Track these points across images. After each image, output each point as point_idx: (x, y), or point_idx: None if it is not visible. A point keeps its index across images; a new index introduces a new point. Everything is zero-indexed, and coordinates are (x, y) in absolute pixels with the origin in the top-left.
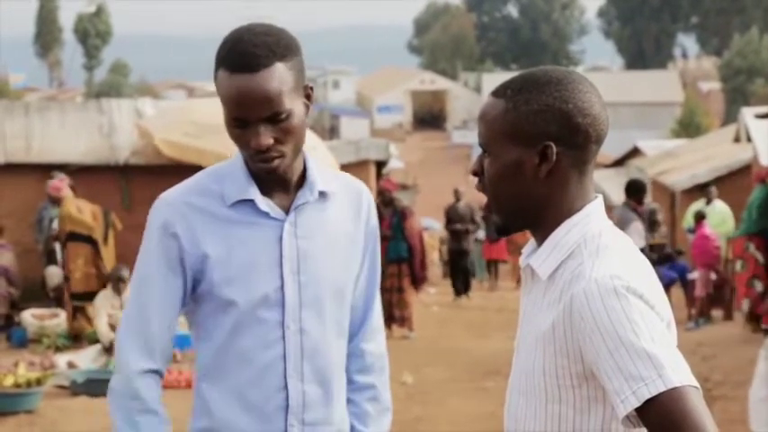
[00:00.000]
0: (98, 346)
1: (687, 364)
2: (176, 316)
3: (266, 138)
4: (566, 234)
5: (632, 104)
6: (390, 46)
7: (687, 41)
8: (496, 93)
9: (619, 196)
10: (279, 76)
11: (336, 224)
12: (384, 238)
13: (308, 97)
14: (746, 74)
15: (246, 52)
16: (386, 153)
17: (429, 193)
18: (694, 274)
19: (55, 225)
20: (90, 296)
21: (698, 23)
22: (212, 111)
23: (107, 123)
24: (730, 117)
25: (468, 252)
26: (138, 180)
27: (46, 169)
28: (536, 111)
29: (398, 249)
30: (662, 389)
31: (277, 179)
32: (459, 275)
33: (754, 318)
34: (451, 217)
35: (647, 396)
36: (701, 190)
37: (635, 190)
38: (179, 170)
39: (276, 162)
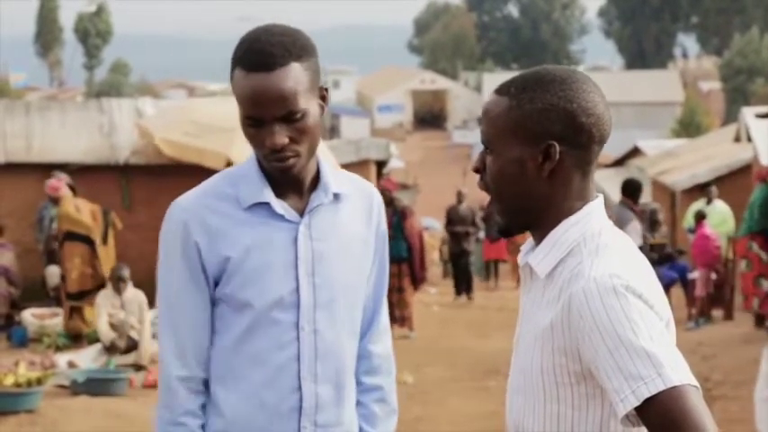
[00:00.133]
0: (98, 346)
1: (687, 363)
2: (209, 327)
3: (281, 137)
4: (565, 232)
5: (632, 104)
6: (390, 46)
7: (687, 41)
8: (500, 90)
9: (618, 196)
10: (294, 76)
11: (349, 226)
12: None
13: (323, 98)
14: (747, 73)
15: (263, 51)
16: (386, 153)
17: (429, 192)
18: (694, 274)
19: (55, 225)
20: (85, 296)
21: (698, 23)
22: (212, 110)
23: (107, 123)
24: (731, 117)
25: (468, 253)
26: (139, 180)
27: (46, 169)
28: (540, 109)
29: (398, 249)
30: (661, 388)
31: (291, 181)
32: (462, 277)
33: (761, 316)
34: (452, 218)
35: (647, 395)
36: (701, 190)
37: (631, 189)
38: (179, 170)
39: (291, 161)
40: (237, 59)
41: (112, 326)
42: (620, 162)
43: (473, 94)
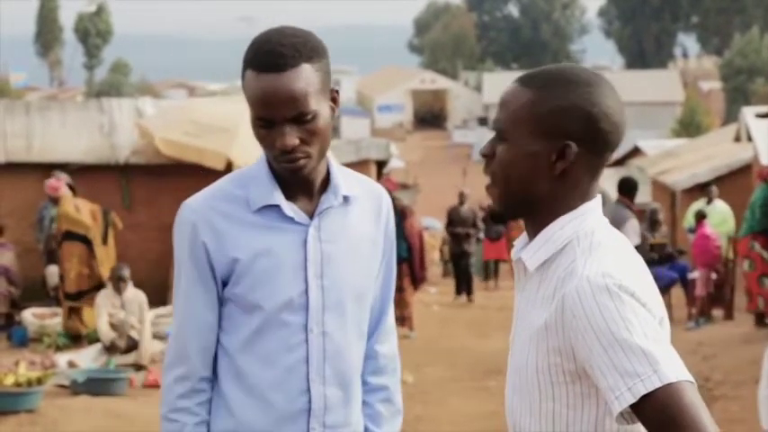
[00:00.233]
0: (98, 346)
1: (687, 363)
2: (215, 327)
3: (292, 138)
4: (560, 229)
5: (633, 104)
6: (390, 46)
7: (688, 41)
8: (524, 82)
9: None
10: (305, 77)
11: (358, 228)
12: None
13: (334, 100)
14: (747, 73)
15: (273, 52)
16: (386, 152)
17: (429, 192)
18: (695, 274)
19: (55, 224)
20: (82, 296)
21: (698, 23)
22: (212, 110)
23: (107, 123)
24: (731, 116)
25: (469, 255)
26: (139, 179)
27: (47, 168)
28: (564, 108)
29: (398, 249)
30: (658, 384)
31: (301, 182)
32: (462, 278)
33: (762, 316)
34: (453, 219)
35: (643, 392)
36: (701, 189)
37: (628, 188)
38: (179, 169)
39: (302, 162)
40: (248, 60)
41: (113, 326)
42: (620, 162)
43: (473, 94)
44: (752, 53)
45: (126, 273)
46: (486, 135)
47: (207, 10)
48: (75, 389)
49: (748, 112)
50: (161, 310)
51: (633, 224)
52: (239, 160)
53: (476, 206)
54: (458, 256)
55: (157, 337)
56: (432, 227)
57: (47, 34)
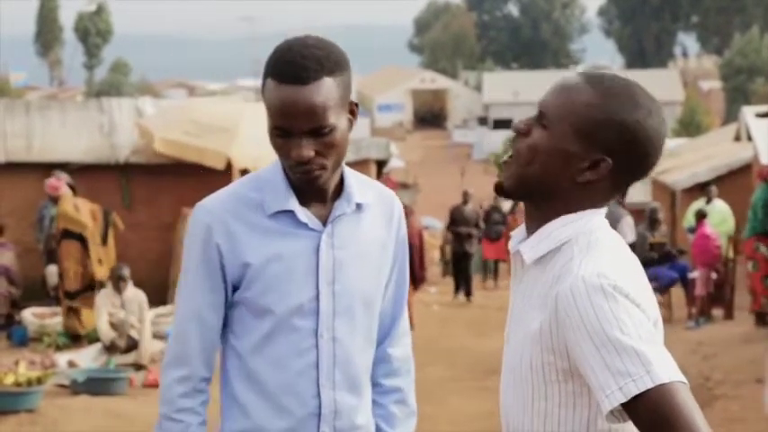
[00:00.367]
0: (98, 345)
1: (687, 362)
2: (218, 329)
3: (308, 150)
4: (562, 227)
5: None
6: (390, 45)
7: (688, 40)
8: (590, 81)
9: None
10: (326, 91)
11: (370, 234)
12: None
13: (353, 113)
14: (747, 73)
15: (295, 63)
16: (386, 152)
17: (429, 192)
18: (695, 274)
19: (55, 224)
20: (78, 295)
21: (698, 22)
22: (212, 110)
23: (107, 122)
24: (731, 116)
25: (470, 255)
26: (139, 179)
27: (47, 168)
28: (615, 122)
29: None
30: (650, 385)
31: (315, 189)
32: (461, 279)
33: (762, 315)
34: (456, 218)
35: (635, 392)
36: (701, 189)
37: None
38: (179, 169)
39: (316, 173)
40: (270, 69)
41: (112, 325)
42: None
43: (473, 94)
44: (752, 53)
45: (126, 272)
46: (486, 134)
47: (207, 10)
48: (75, 388)
49: (748, 112)
50: (161, 309)
51: (628, 221)
52: (239, 160)
53: (476, 205)
54: (459, 257)
55: (157, 336)
56: (431, 226)
57: (47, 34)
